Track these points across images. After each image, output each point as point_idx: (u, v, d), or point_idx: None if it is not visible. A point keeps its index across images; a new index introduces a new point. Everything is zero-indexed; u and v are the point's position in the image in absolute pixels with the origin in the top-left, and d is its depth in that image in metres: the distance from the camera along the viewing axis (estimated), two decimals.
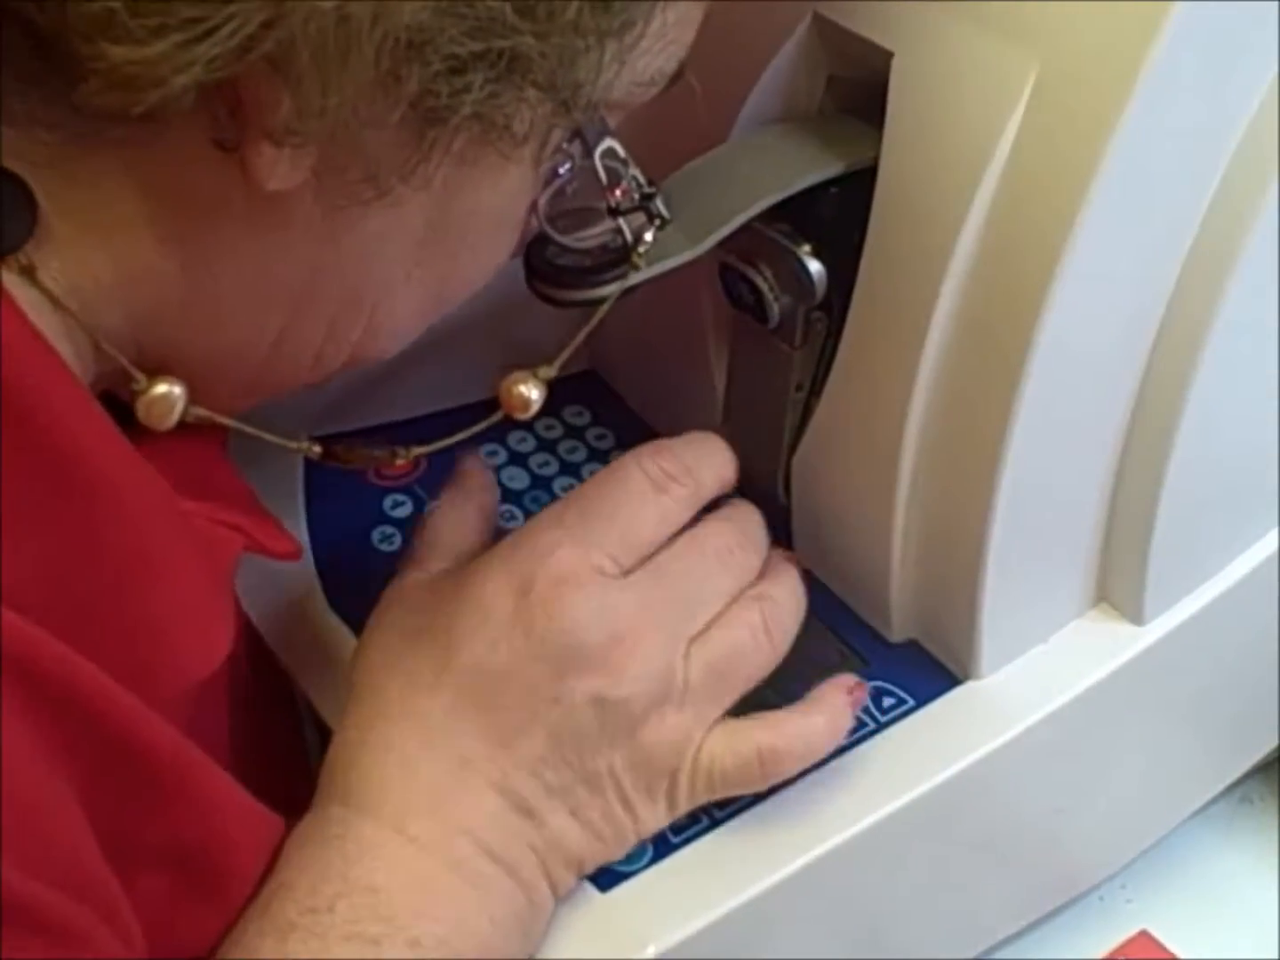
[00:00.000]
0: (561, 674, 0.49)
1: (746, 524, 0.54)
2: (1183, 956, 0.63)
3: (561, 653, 0.49)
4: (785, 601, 0.53)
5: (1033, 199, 0.48)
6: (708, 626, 0.52)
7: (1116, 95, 0.46)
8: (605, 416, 0.69)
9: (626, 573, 0.51)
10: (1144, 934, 0.64)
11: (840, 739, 0.53)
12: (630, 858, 0.52)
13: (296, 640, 0.63)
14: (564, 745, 0.49)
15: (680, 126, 0.59)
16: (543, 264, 0.51)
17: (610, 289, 0.50)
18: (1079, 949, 0.64)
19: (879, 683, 0.57)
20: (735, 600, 0.52)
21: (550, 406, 0.69)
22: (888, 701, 0.56)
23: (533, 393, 0.53)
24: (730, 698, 0.52)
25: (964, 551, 0.53)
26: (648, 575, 0.51)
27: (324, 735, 0.81)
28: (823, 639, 0.59)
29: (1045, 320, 0.48)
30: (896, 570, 0.56)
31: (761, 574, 0.54)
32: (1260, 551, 0.58)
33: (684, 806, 0.52)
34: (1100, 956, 0.63)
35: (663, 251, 0.51)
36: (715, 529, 0.53)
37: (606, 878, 0.52)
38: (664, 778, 0.51)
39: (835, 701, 0.53)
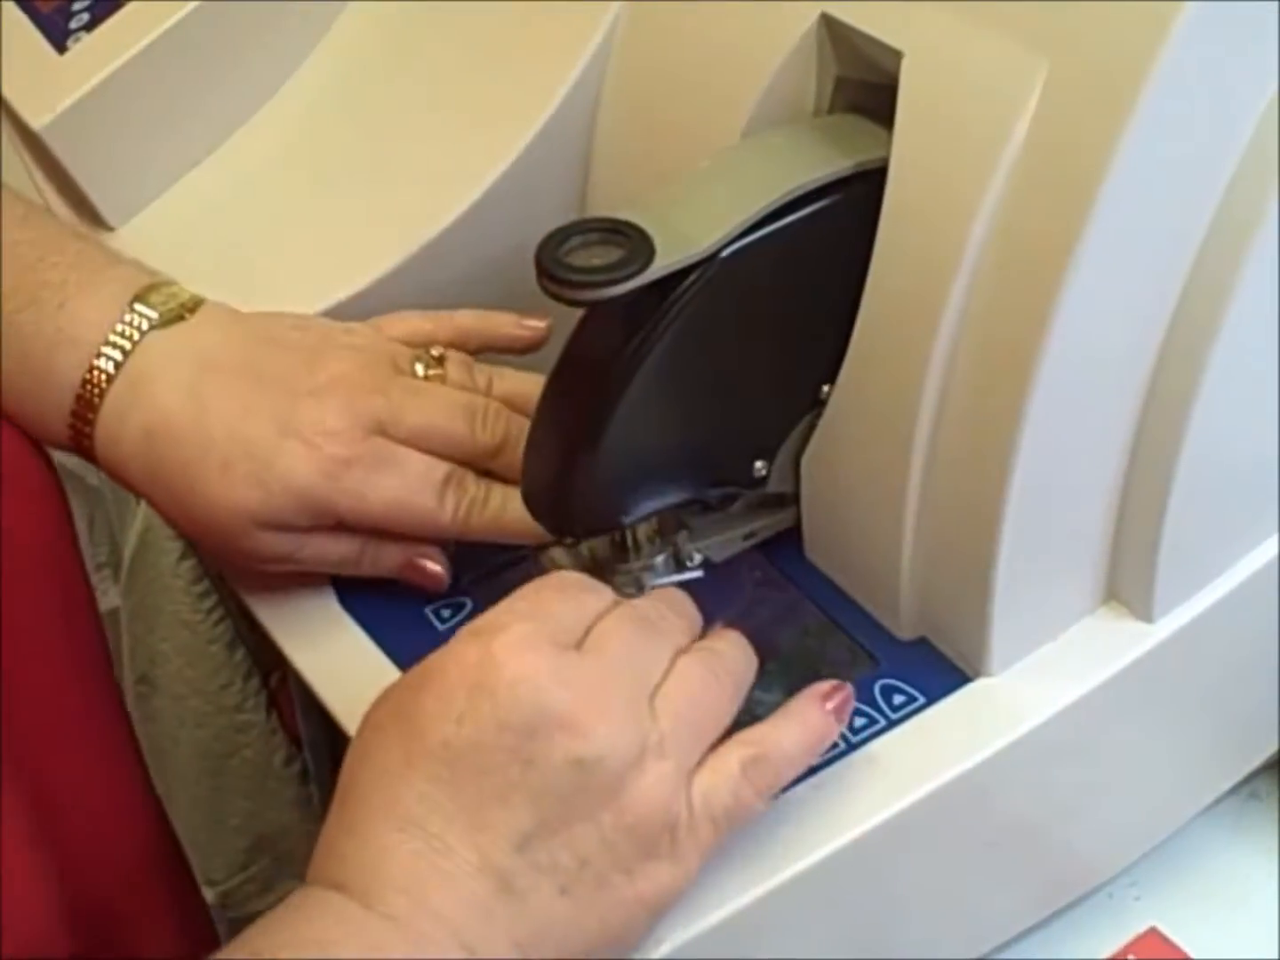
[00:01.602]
0: (532, 736, 0.47)
1: (673, 597, 0.54)
2: (1192, 953, 0.63)
3: (530, 716, 0.47)
4: (729, 651, 0.53)
5: (1042, 198, 0.48)
6: (662, 681, 0.50)
7: (1126, 95, 0.46)
8: None
9: (576, 646, 0.50)
10: (1153, 931, 0.64)
11: (827, 741, 0.52)
12: None
13: (308, 641, 0.63)
14: (547, 814, 0.47)
15: (692, 130, 0.59)
16: (554, 263, 0.51)
17: (623, 288, 0.50)
18: (1088, 946, 0.64)
19: (889, 680, 0.57)
20: (680, 655, 0.51)
21: None
22: (898, 699, 0.57)
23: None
24: (706, 741, 0.50)
25: (974, 550, 0.53)
26: (594, 646, 0.50)
27: (332, 735, 0.82)
28: (833, 637, 0.59)
29: (1055, 319, 0.48)
30: (906, 568, 0.56)
31: (702, 637, 0.53)
32: (1269, 549, 0.58)
33: (694, 858, 0.49)
34: (1109, 954, 0.63)
35: (673, 251, 0.51)
36: (642, 602, 0.53)
37: None
38: (663, 833, 0.48)
39: (809, 710, 0.52)
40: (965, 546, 0.54)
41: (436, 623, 0.62)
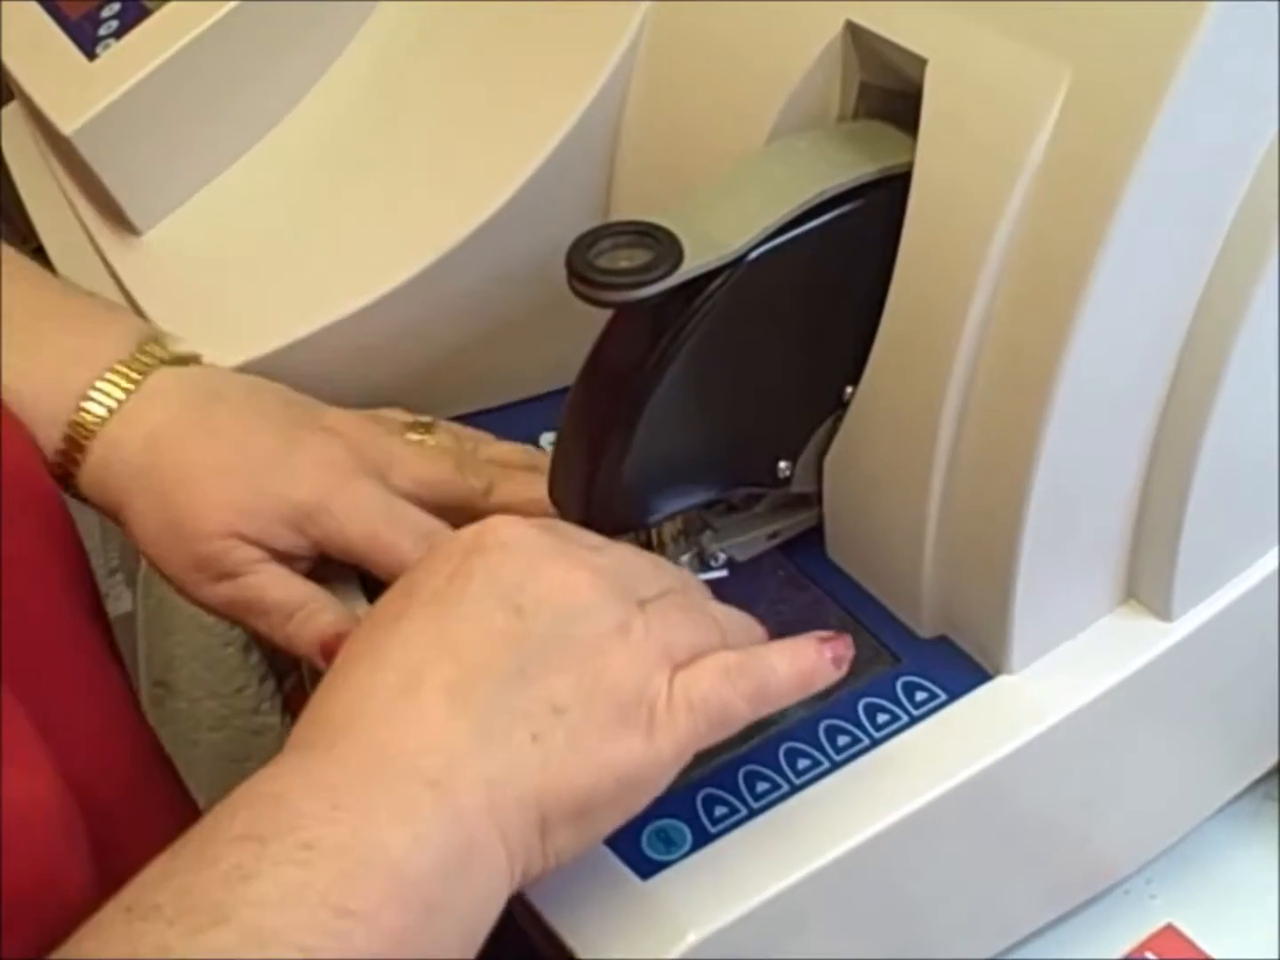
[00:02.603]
0: (521, 588, 0.48)
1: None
2: (1208, 951, 0.64)
3: (521, 570, 0.48)
4: (721, 607, 0.54)
5: (1065, 204, 0.49)
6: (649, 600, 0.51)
7: (1149, 101, 0.47)
8: None
9: None
10: (1169, 928, 0.64)
11: (819, 679, 0.52)
12: (669, 846, 0.54)
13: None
14: (528, 661, 0.47)
15: (717, 135, 0.60)
16: (584, 265, 0.52)
17: (652, 290, 0.51)
18: (1105, 943, 0.64)
19: (910, 677, 0.58)
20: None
21: None
22: (919, 696, 0.57)
23: None
24: (685, 650, 0.50)
25: (996, 549, 0.54)
26: (594, 548, 0.52)
27: None
28: (855, 635, 0.59)
29: (1078, 323, 0.49)
30: (928, 567, 0.57)
31: None
32: None
33: (668, 744, 0.49)
34: (1126, 951, 0.64)
35: (701, 253, 0.52)
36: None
37: (646, 865, 0.53)
38: (640, 706, 0.48)
39: (804, 645, 0.52)
40: (986, 545, 0.55)
41: None
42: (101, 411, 0.59)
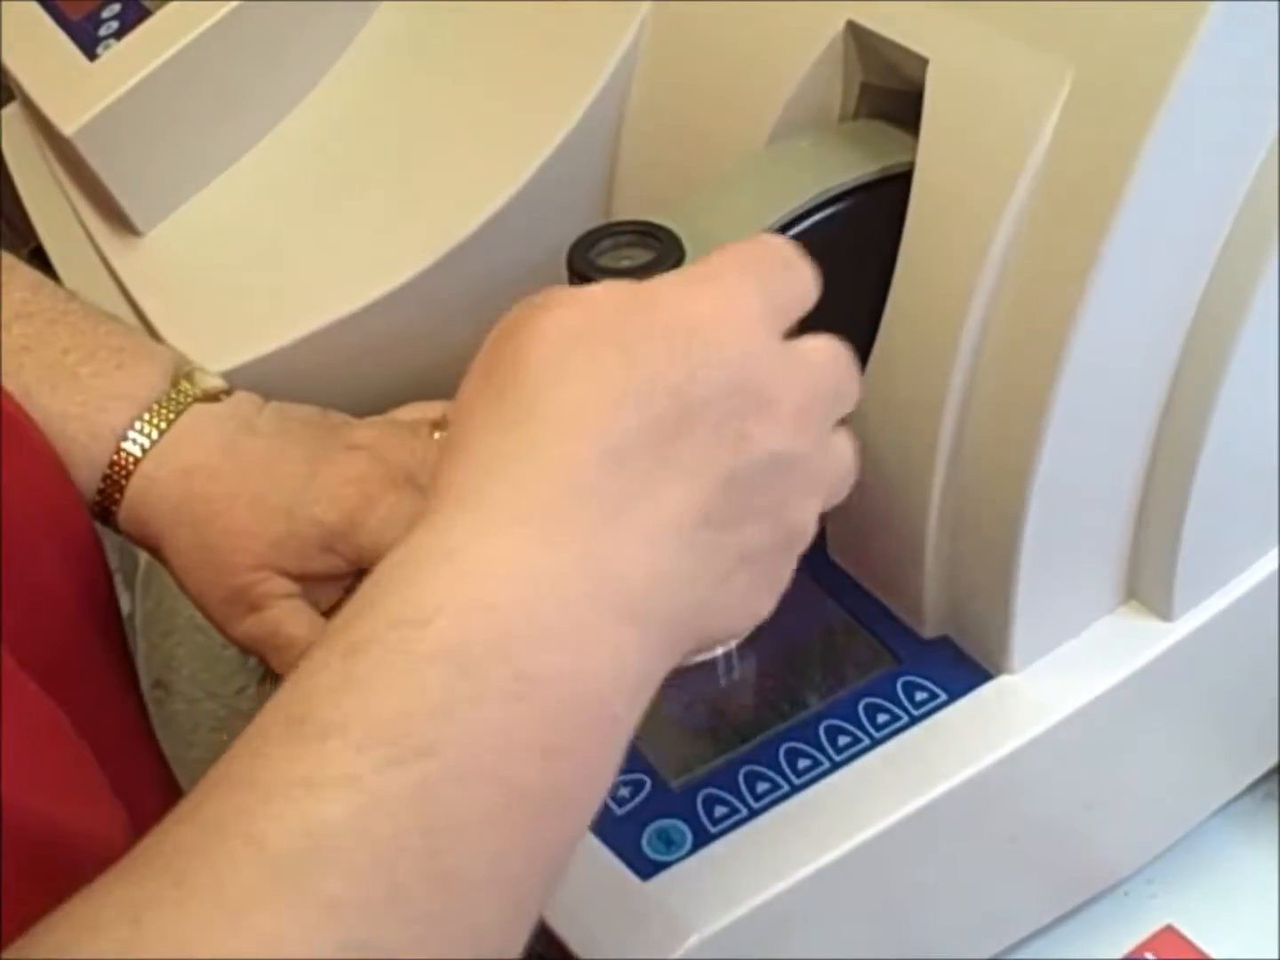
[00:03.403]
0: (758, 415, 0.43)
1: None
2: (1208, 951, 0.64)
3: (758, 393, 0.43)
4: None
5: (1067, 204, 0.49)
6: None
7: (1151, 100, 0.47)
8: None
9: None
10: (1169, 929, 0.64)
11: None
12: (670, 846, 0.53)
13: None
14: (739, 490, 0.43)
15: (718, 135, 0.60)
16: (585, 265, 0.52)
17: None
18: (1105, 943, 0.64)
19: (911, 677, 0.58)
20: None
21: None
22: (920, 696, 0.57)
23: None
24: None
25: (998, 549, 0.54)
26: (811, 349, 0.47)
27: None
28: (856, 635, 0.60)
29: (1079, 323, 0.49)
30: (930, 567, 0.57)
31: None
32: None
33: None
34: (1126, 951, 0.64)
35: (703, 252, 0.52)
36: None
37: (647, 866, 0.53)
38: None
39: None
40: (988, 545, 0.55)
41: None
42: (138, 451, 0.60)
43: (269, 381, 0.66)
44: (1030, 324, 0.51)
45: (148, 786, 0.61)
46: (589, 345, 0.43)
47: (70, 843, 0.44)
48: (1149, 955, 0.64)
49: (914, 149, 0.53)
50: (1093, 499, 0.55)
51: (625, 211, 0.64)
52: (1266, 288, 0.51)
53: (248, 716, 0.95)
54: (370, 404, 0.68)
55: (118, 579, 1.10)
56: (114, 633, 0.62)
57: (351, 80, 0.71)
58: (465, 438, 0.44)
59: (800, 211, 0.54)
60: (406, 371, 0.68)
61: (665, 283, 0.45)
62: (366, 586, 0.41)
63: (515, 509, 0.41)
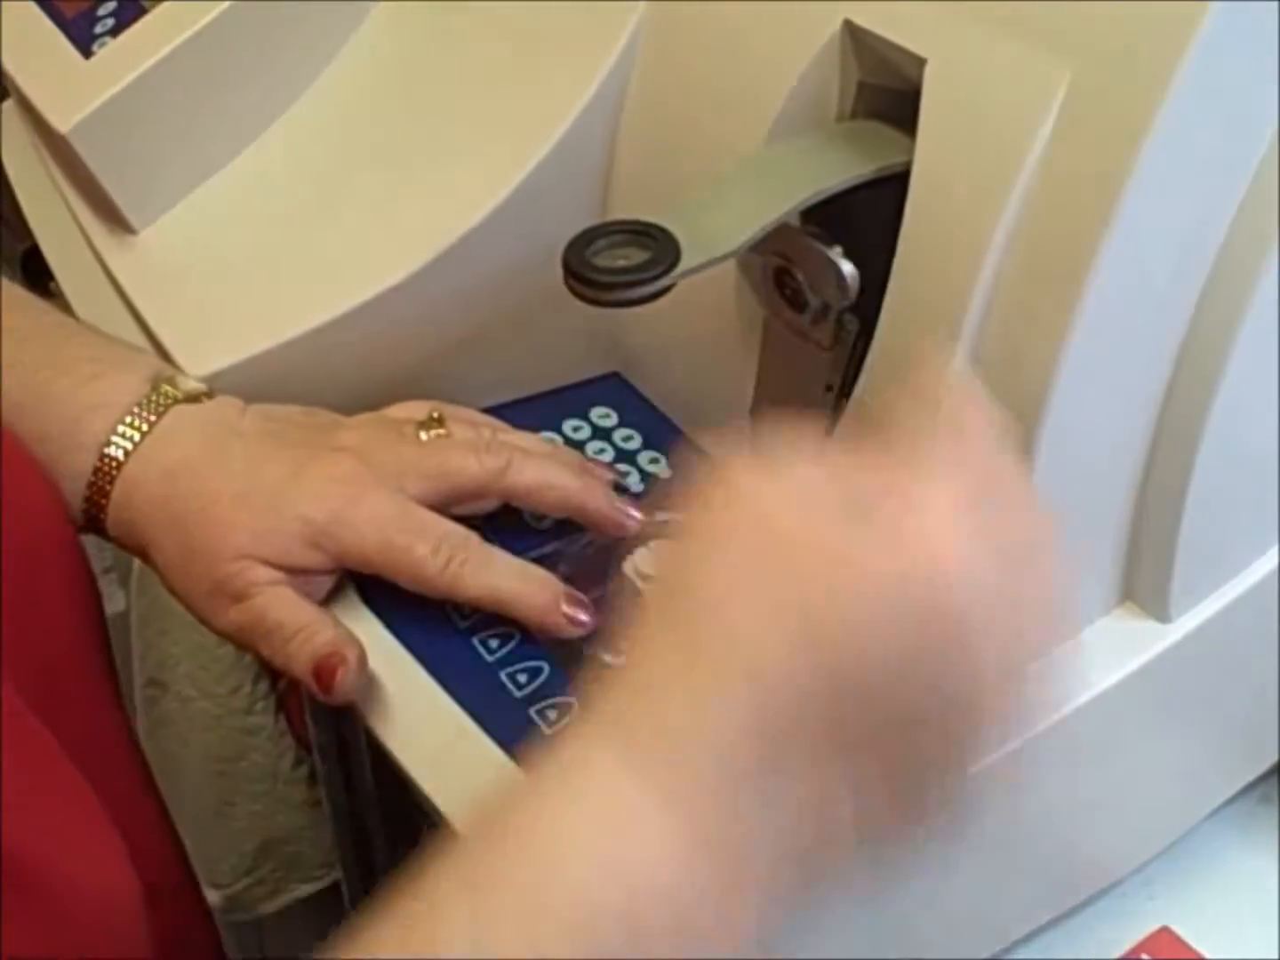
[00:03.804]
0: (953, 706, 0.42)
1: None
2: (1204, 953, 0.64)
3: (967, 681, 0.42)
4: None
5: (1065, 202, 0.49)
6: None
7: (1149, 101, 0.47)
8: (631, 417, 0.70)
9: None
10: (1165, 930, 0.64)
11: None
12: None
13: None
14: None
15: (715, 133, 0.60)
16: (580, 264, 0.52)
17: (648, 289, 0.51)
18: (1100, 945, 0.64)
19: None
20: None
21: (577, 408, 0.71)
22: None
23: None
24: None
25: None
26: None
27: (341, 740, 0.82)
28: None
29: (1076, 326, 0.49)
30: None
31: None
32: None
33: None
34: (1122, 953, 0.64)
35: (698, 252, 0.52)
36: None
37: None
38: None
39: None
40: None
41: (458, 620, 0.62)
42: (120, 455, 0.60)
43: (264, 380, 0.66)
44: (1026, 326, 0.51)
45: (135, 798, 0.61)
46: (767, 600, 0.41)
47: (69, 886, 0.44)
48: (1145, 956, 0.64)
49: (911, 149, 0.53)
50: (1089, 500, 0.55)
51: (622, 211, 0.64)
52: (1265, 287, 0.51)
53: (241, 715, 0.95)
54: (364, 402, 0.67)
55: (112, 577, 1.10)
56: (105, 648, 0.62)
57: (347, 79, 0.71)
58: (634, 666, 0.43)
59: (796, 211, 0.54)
60: (400, 370, 0.68)
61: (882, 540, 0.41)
62: (498, 795, 0.42)
63: (667, 787, 0.41)
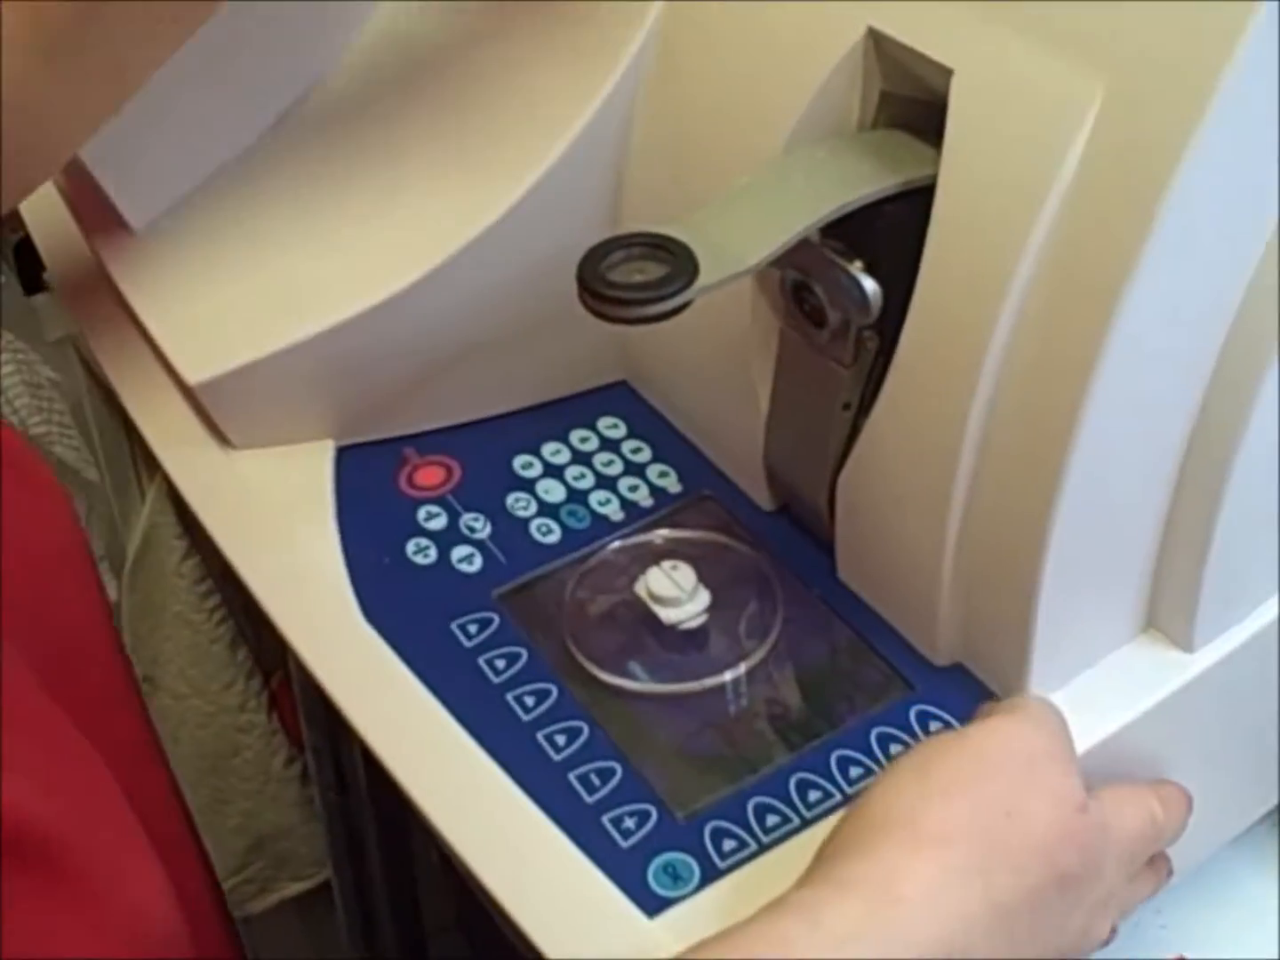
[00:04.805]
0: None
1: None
2: None
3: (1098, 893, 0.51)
4: None
5: (1097, 223, 0.47)
6: None
7: (1188, 116, 0.45)
8: (640, 428, 0.68)
9: None
10: None
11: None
12: (677, 881, 0.52)
13: (330, 655, 0.62)
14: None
15: (731, 141, 0.58)
16: (596, 280, 0.50)
17: (666, 305, 0.49)
18: None
19: (925, 706, 0.56)
20: None
21: (584, 418, 0.69)
22: (934, 726, 0.56)
23: None
24: None
25: (1018, 576, 0.52)
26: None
27: (334, 738, 0.80)
28: (867, 661, 0.58)
29: (1109, 346, 0.47)
30: (945, 594, 0.55)
31: None
32: None
33: None
34: None
35: (717, 267, 0.50)
36: None
37: (653, 902, 0.51)
38: None
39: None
40: (1008, 572, 0.53)
41: (463, 639, 0.60)
42: None
43: (264, 387, 0.64)
44: (1058, 344, 0.49)
45: (158, 795, 0.60)
46: (954, 794, 0.49)
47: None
48: None
49: (936, 161, 0.51)
50: (1117, 524, 0.53)
51: (634, 220, 0.62)
52: None
53: (234, 712, 0.94)
54: (365, 410, 0.66)
55: (104, 565, 1.09)
56: (122, 650, 0.61)
57: (353, 78, 0.69)
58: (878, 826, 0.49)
59: (818, 226, 0.52)
60: (404, 378, 0.66)
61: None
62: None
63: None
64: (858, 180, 0.52)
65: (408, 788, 0.55)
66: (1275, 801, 0.65)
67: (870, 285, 0.53)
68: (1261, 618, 0.57)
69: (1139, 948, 0.63)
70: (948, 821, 0.48)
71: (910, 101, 0.54)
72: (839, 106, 0.55)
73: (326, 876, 1.01)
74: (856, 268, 0.53)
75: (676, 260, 0.50)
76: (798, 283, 0.56)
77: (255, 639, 0.96)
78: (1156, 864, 0.57)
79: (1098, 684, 0.55)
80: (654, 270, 0.50)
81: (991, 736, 0.51)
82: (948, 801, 0.48)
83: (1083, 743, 0.54)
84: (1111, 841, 0.52)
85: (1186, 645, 0.56)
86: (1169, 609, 0.56)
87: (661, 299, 0.49)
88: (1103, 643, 0.56)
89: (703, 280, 0.50)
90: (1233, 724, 0.59)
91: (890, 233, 0.53)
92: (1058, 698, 0.55)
